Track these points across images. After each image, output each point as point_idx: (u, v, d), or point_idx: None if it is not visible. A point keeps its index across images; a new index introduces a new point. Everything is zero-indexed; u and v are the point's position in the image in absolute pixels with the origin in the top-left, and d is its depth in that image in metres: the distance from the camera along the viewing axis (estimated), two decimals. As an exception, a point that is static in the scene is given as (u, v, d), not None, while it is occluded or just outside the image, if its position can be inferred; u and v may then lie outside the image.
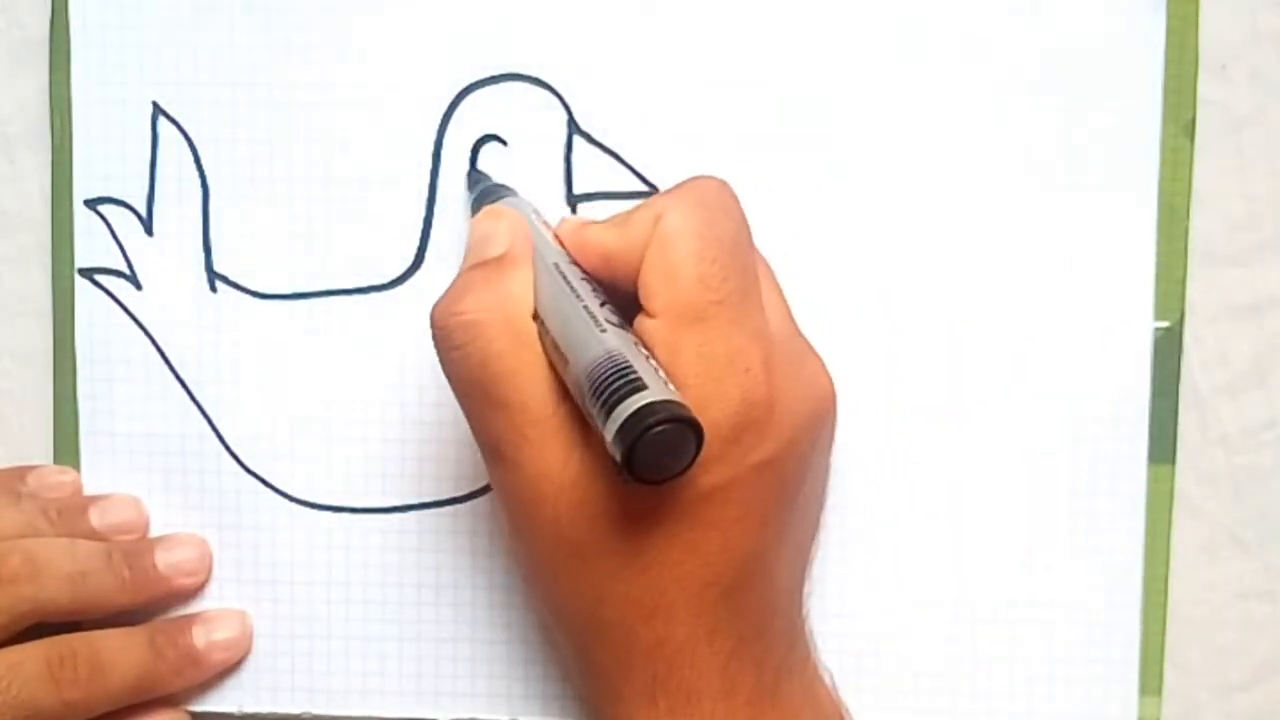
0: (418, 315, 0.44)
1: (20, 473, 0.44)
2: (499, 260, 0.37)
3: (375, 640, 0.45)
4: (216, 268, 0.45)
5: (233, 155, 0.44)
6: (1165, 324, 0.43)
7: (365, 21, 0.44)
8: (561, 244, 0.38)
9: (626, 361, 0.33)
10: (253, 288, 0.45)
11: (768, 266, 0.38)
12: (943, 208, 0.43)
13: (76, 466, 0.45)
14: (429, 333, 0.44)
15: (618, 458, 0.32)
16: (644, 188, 0.43)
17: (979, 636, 0.44)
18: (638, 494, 0.34)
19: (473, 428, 0.37)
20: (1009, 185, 0.43)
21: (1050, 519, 0.43)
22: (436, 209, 0.44)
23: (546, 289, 0.36)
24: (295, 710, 0.45)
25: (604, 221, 0.37)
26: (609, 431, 0.32)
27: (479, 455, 0.44)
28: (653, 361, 0.34)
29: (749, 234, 0.36)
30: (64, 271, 0.45)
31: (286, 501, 0.45)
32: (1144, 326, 0.43)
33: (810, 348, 0.38)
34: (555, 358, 0.35)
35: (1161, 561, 0.43)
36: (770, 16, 0.43)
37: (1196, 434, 0.44)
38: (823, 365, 0.38)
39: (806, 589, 0.40)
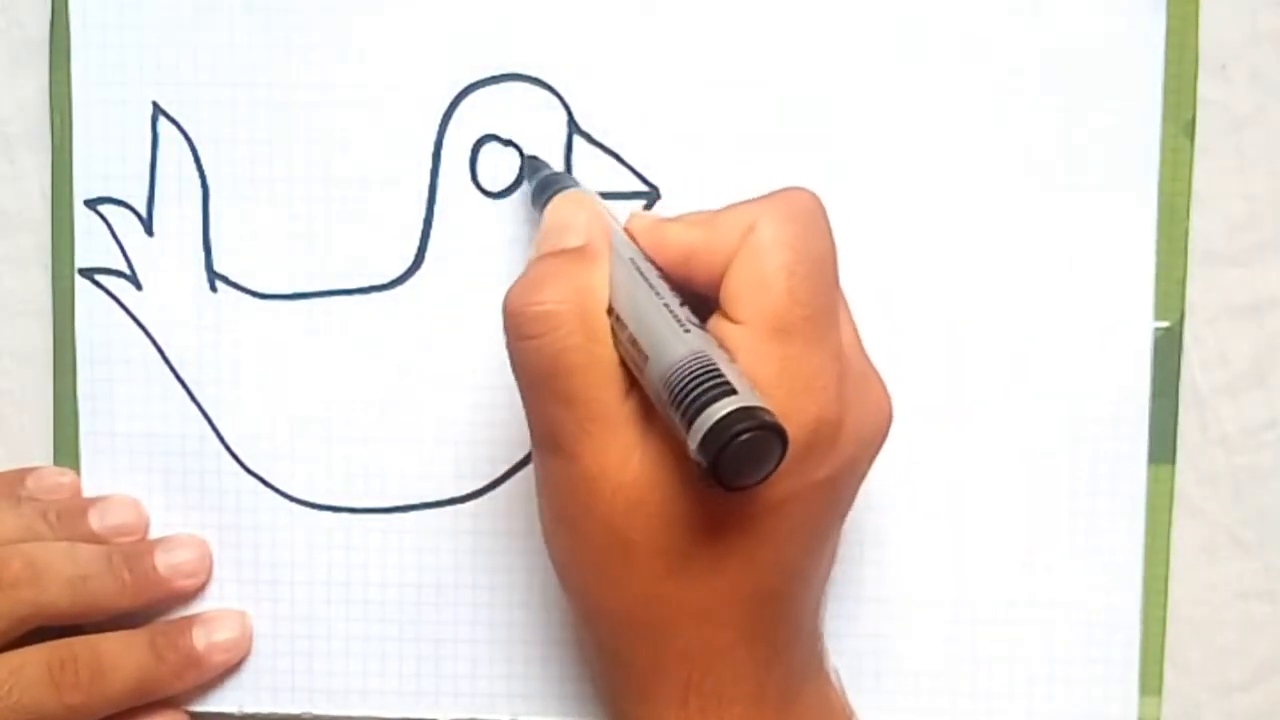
0: (418, 315, 0.44)
1: (19, 475, 0.44)
2: (579, 251, 0.36)
3: (375, 640, 0.45)
4: (216, 268, 0.45)
5: (233, 155, 0.44)
6: (1165, 324, 0.43)
7: (365, 21, 0.44)
8: (633, 239, 0.37)
9: (712, 363, 0.32)
10: (253, 288, 0.45)
11: (842, 290, 0.38)
12: (943, 208, 0.43)
13: (76, 467, 0.45)
14: (429, 332, 0.44)
15: (703, 461, 0.31)
16: (644, 188, 0.43)
17: (979, 636, 0.44)
18: (698, 499, 0.34)
19: (532, 416, 0.36)
20: (1009, 185, 0.43)
21: (1050, 519, 0.43)
22: (436, 209, 0.44)
23: (624, 284, 0.35)
24: (295, 710, 0.45)
25: (683, 220, 0.37)
26: (695, 434, 0.31)
27: (479, 455, 0.44)
28: (735, 365, 0.33)
29: (836, 253, 0.36)
30: (64, 271, 0.45)
31: (286, 501, 0.45)
32: (1144, 326, 0.43)
33: (874, 368, 0.38)
34: (630, 354, 0.34)
35: (1161, 561, 0.43)
36: (770, 16, 0.43)
37: (1196, 434, 0.44)
38: (884, 387, 0.38)
39: (825, 594, 0.40)
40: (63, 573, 0.41)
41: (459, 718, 0.45)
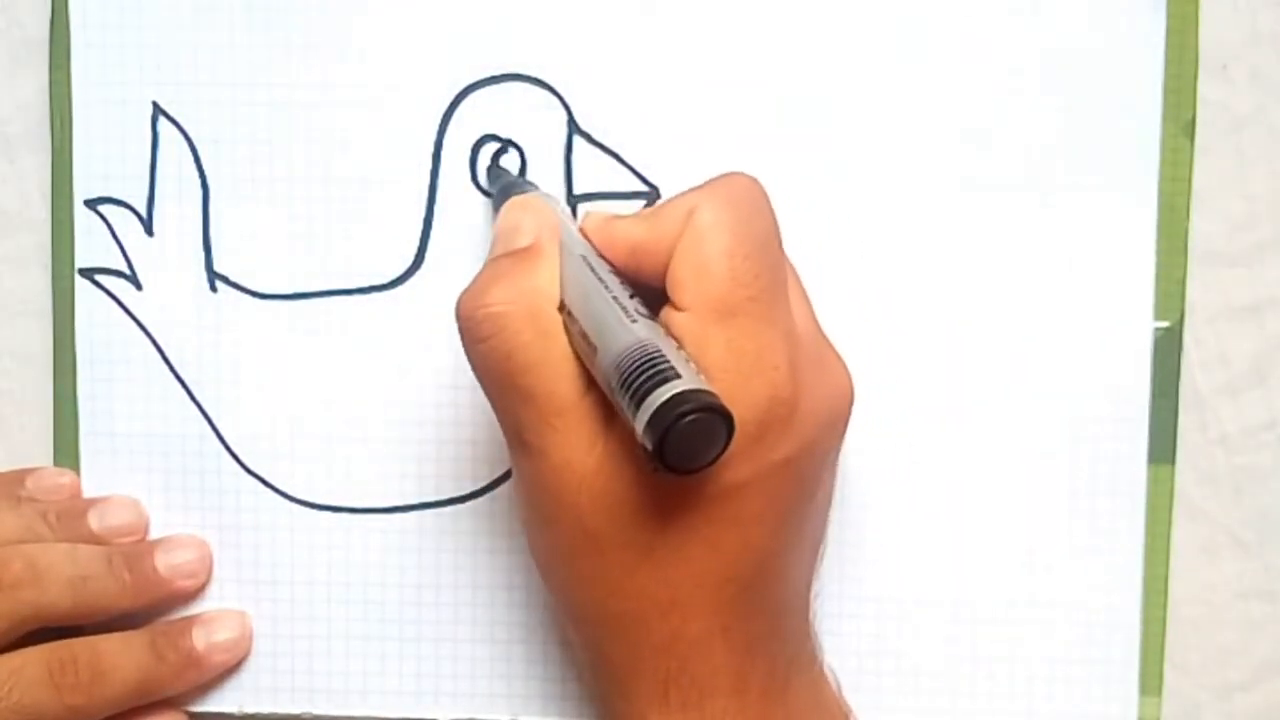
0: (418, 315, 0.44)
1: (19, 476, 0.44)
2: (525, 251, 0.37)
3: (375, 640, 0.45)
4: (216, 268, 0.45)
5: (233, 155, 0.44)
6: (1165, 324, 0.43)
7: (365, 21, 0.44)
8: (587, 238, 0.38)
9: (658, 350, 0.32)
10: (253, 288, 0.45)
11: (792, 266, 0.38)
12: (943, 208, 0.43)
13: (76, 467, 0.45)
14: (429, 332, 0.44)
15: (649, 446, 0.31)
16: (644, 188, 0.43)
17: (979, 636, 0.44)
18: (659, 487, 0.34)
19: (499, 418, 0.37)
20: (1009, 185, 0.43)
21: (1050, 519, 0.43)
22: (436, 209, 0.44)
23: (574, 280, 0.36)
24: (295, 710, 0.45)
25: (631, 216, 0.37)
26: (640, 419, 0.32)
27: (479, 455, 0.44)
28: (683, 352, 0.34)
29: (779, 233, 0.36)
30: (64, 271, 0.45)
31: (286, 501, 0.45)
32: (1144, 326, 0.43)
33: (832, 348, 0.38)
34: (582, 348, 0.35)
35: (1161, 561, 0.43)
36: (770, 17, 0.43)
37: (1196, 434, 0.44)
38: (844, 365, 0.38)
39: (814, 589, 0.40)
40: (63, 573, 0.41)
41: (459, 718, 0.45)
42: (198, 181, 0.44)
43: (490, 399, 0.37)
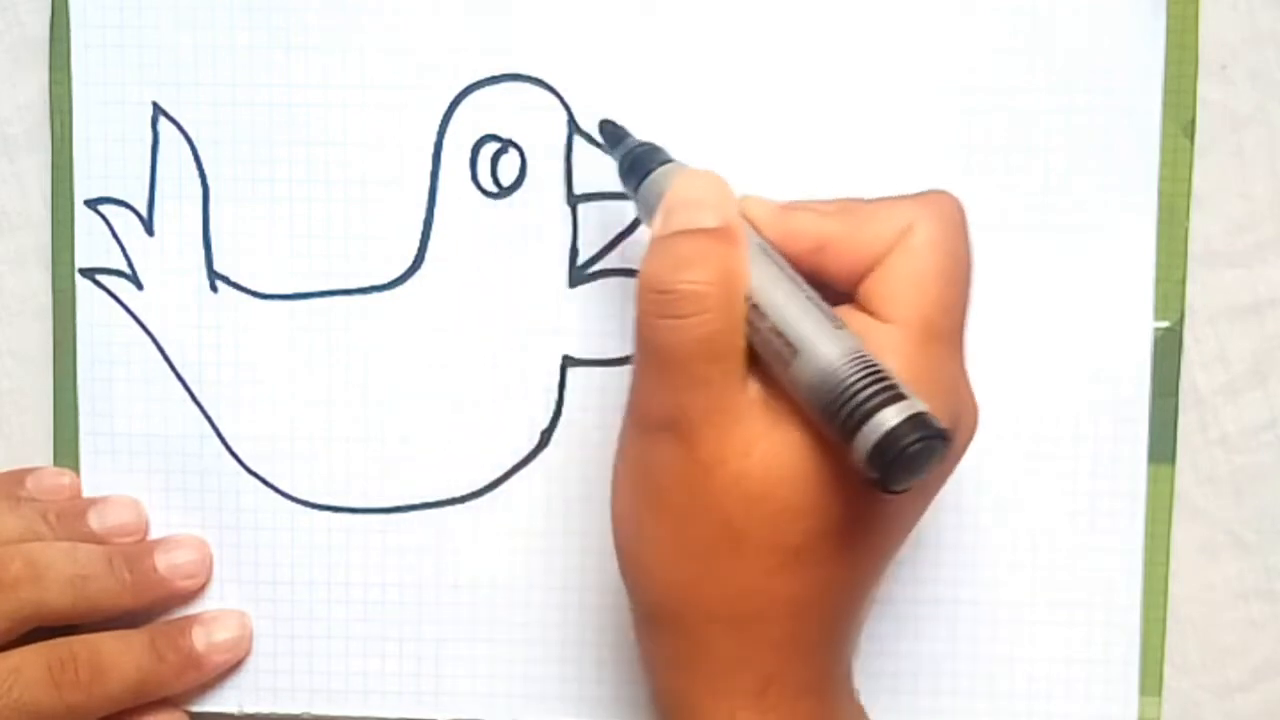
0: (418, 315, 0.44)
1: (19, 476, 0.44)
2: (722, 232, 0.35)
3: (375, 640, 0.45)
4: (217, 268, 0.45)
5: (233, 155, 0.44)
6: (1165, 324, 0.43)
7: (365, 21, 0.44)
8: (754, 227, 0.36)
9: (876, 365, 0.32)
10: (253, 288, 0.45)
11: None
12: (943, 208, 0.43)
13: (76, 467, 0.45)
14: (429, 332, 0.44)
15: (872, 467, 0.31)
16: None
17: (979, 636, 0.44)
18: (820, 497, 0.34)
19: (645, 396, 0.35)
20: (1009, 185, 0.43)
21: (1050, 519, 0.43)
22: (436, 209, 0.44)
23: (764, 273, 0.34)
24: (295, 710, 0.45)
25: (812, 209, 0.36)
26: (864, 439, 0.31)
27: (479, 455, 0.44)
28: (890, 367, 0.33)
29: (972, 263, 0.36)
30: (64, 271, 0.45)
31: (286, 501, 0.45)
32: (1144, 326, 0.43)
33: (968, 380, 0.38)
34: (772, 346, 0.34)
35: (1161, 561, 0.43)
36: (770, 17, 0.43)
37: (1196, 434, 0.44)
38: (974, 398, 0.37)
39: None
40: (63, 573, 0.41)
41: (459, 718, 0.45)
42: (198, 181, 0.44)
43: (646, 376, 0.35)
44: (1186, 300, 0.43)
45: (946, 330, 0.34)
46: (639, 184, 0.38)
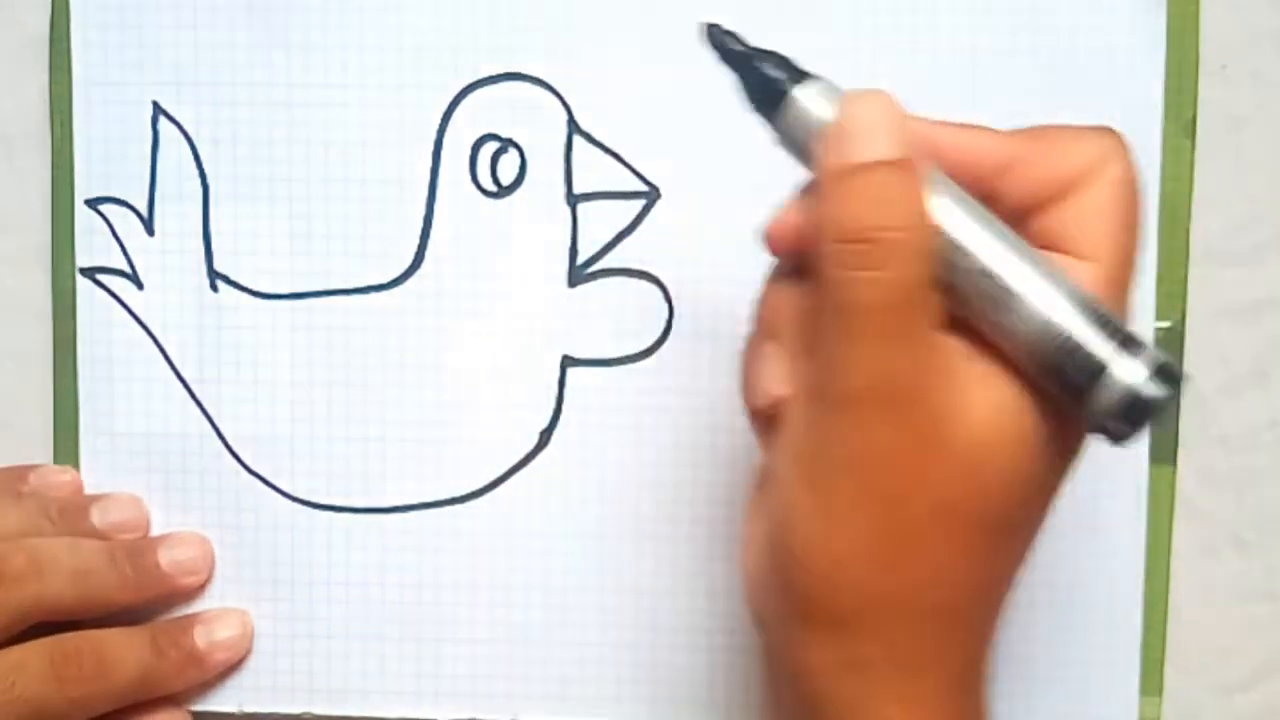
0: (418, 315, 0.44)
1: (21, 472, 0.44)
2: (901, 165, 0.30)
3: (375, 640, 0.45)
4: (217, 267, 0.45)
5: (233, 155, 0.44)
6: (1165, 324, 0.43)
7: (365, 21, 0.44)
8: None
9: (1107, 310, 0.30)
10: (253, 287, 0.45)
11: None
12: (943, 208, 0.43)
13: (76, 466, 0.45)
14: (429, 332, 0.44)
15: (1122, 417, 0.29)
16: (644, 187, 0.43)
17: (979, 636, 0.44)
18: (1033, 466, 0.31)
19: (844, 366, 0.30)
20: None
21: (1050, 519, 0.43)
22: (436, 209, 0.44)
23: (954, 205, 0.31)
24: (295, 710, 0.45)
25: (990, 129, 0.32)
26: (1113, 388, 0.29)
27: (479, 455, 0.44)
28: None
29: None
30: (65, 271, 0.45)
31: (287, 501, 0.45)
32: (1144, 326, 0.43)
33: None
34: (981, 289, 0.30)
35: (1162, 561, 0.43)
36: (770, 18, 0.43)
37: (1196, 434, 0.44)
38: None
39: None
40: (65, 567, 0.42)
41: (459, 718, 0.45)
42: (198, 181, 0.44)
43: (841, 340, 0.30)
44: (1186, 300, 0.43)
45: (1131, 277, 0.32)
46: (775, 107, 0.33)
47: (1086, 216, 0.31)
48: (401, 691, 0.45)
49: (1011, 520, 0.32)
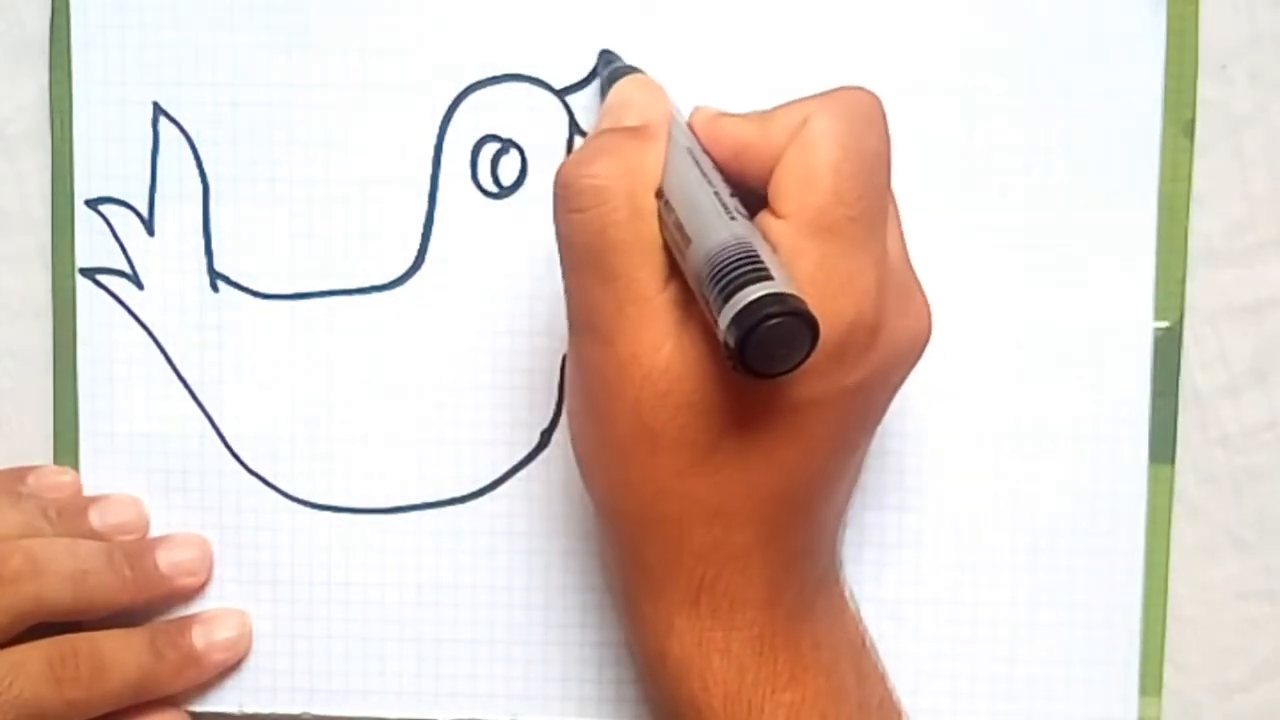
0: (418, 315, 0.44)
1: (20, 473, 0.44)
2: (635, 130, 0.36)
3: (375, 640, 0.45)
4: (218, 267, 0.45)
5: (233, 155, 0.44)
6: (1165, 324, 0.43)
7: (365, 21, 0.44)
8: (693, 133, 0.37)
9: (753, 250, 0.32)
10: (254, 288, 0.45)
11: (893, 194, 0.37)
12: (943, 208, 0.43)
13: (76, 467, 0.45)
14: (429, 332, 0.44)
15: (731, 343, 0.31)
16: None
17: (979, 637, 0.44)
18: (729, 393, 0.34)
19: (570, 297, 0.36)
20: (1009, 185, 0.43)
21: (1050, 519, 0.43)
22: (437, 209, 0.44)
23: (677, 169, 0.35)
24: (295, 710, 0.45)
25: (742, 115, 0.36)
26: (726, 315, 0.31)
27: (479, 455, 0.44)
28: (776, 258, 0.33)
29: (890, 155, 0.36)
30: (65, 271, 0.45)
31: (287, 501, 0.45)
32: (1144, 326, 0.43)
33: (918, 282, 0.37)
34: (674, 239, 0.34)
35: (1161, 561, 0.43)
36: (770, 18, 0.43)
37: (1196, 434, 0.44)
38: (926, 301, 0.37)
39: (845, 512, 0.40)
40: (64, 568, 0.41)
41: (459, 718, 0.45)
42: (198, 181, 0.44)
43: (567, 275, 0.36)
44: (1186, 300, 0.43)
45: (843, 224, 0.34)
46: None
47: (779, 179, 0.34)
48: (401, 691, 0.45)
49: (726, 448, 0.34)
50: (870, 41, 0.43)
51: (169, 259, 0.45)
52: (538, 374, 0.44)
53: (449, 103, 0.44)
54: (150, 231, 0.45)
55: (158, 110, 0.44)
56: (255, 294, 0.45)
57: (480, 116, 0.44)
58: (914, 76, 0.43)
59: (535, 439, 0.44)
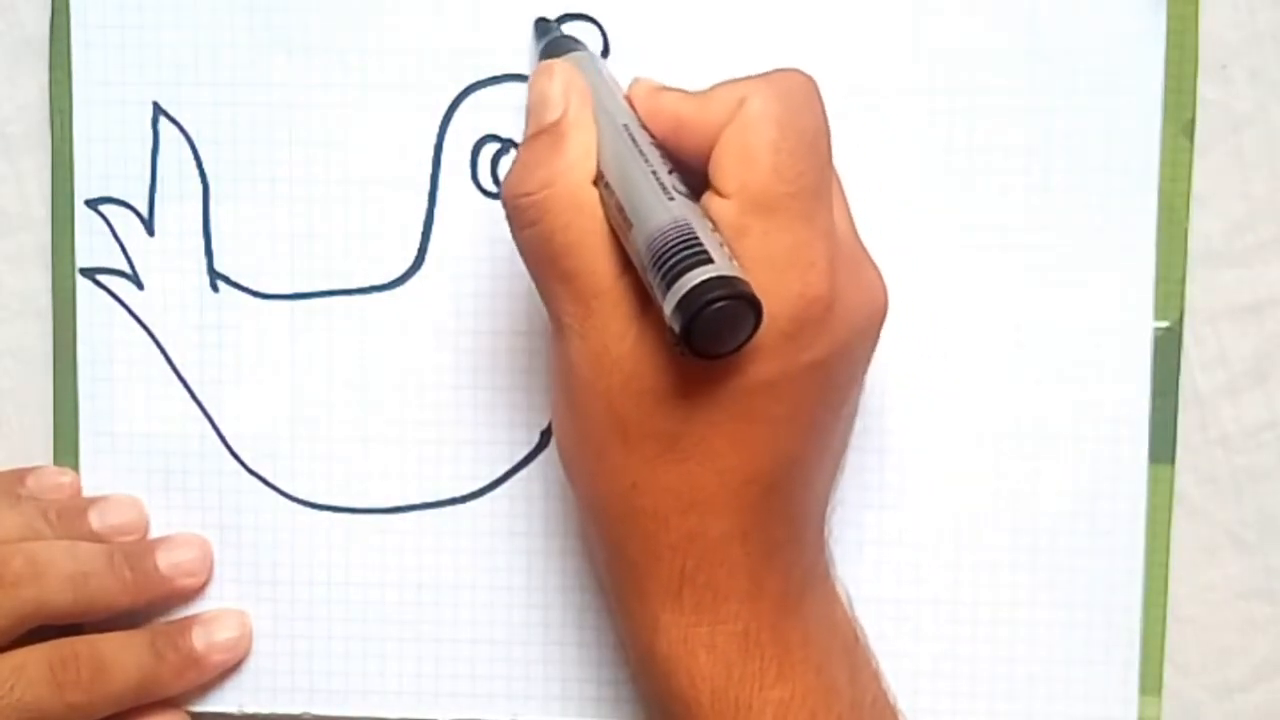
0: (418, 315, 0.44)
1: (19, 475, 0.44)
2: (555, 127, 0.36)
3: (375, 640, 0.45)
4: (218, 267, 0.45)
5: (233, 155, 0.44)
6: (1165, 324, 0.43)
7: (365, 21, 0.44)
8: (632, 106, 0.37)
9: (693, 232, 0.32)
10: (254, 288, 0.45)
11: (836, 172, 0.38)
12: (943, 208, 0.43)
13: (76, 466, 0.45)
14: (429, 332, 0.44)
15: (676, 329, 0.31)
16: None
17: (979, 637, 0.44)
18: (688, 377, 0.34)
19: (544, 302, 0.37)
20: (1009, 185, 0.43)
21: (1050, 519, 0.43)
22: (437, 209, 0.44)
23: (612, 151, 0.36)
24: (295, 710, 0.45)
25: (681, 90, 0.37)
26: (669, 302, 0.31)
27: (479, 455, 0.44)
28: (718, 236, 0.33)
29: (829, 134, 0.36)
30: (65, 271, 0.45)
31: (287, 501, 0.45)
32: (1144, 326, 0.43)
33: (868, 255, 0.38)
34: (618, 222, 0.35)
35: (1161, 561, 0.43)
36: (770, 19, 0.43)
37: (1196, 434, 0.44)
38: (879, 273, 0.37)
39: (831, 504, 0.40)
40: (64, 570, 0.41)
41: (459, 718, 0.45)
42: (198, 181, 0.44)
43: (536, 284, 0.37)
44: (1186, 300, 0.43)
45: (784, 200, 0.34)
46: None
47: (718, 158, 0.35)
48: (401, 691, 0.45)
49: (693, 435, 0.34)
50: (870, 43, 0.43)
51: (169, 259, 0.45)
52: (537, 374, 0.44)
53: (449, 103, 0.44)
54: (150, 231, 0.45)
55: (158, 110, 0.44)
56: (255, 294, 0.45)
57: (480, 116, 0.44)
58: (914, 76, 0.43)
59: (535, 439, 0.44)
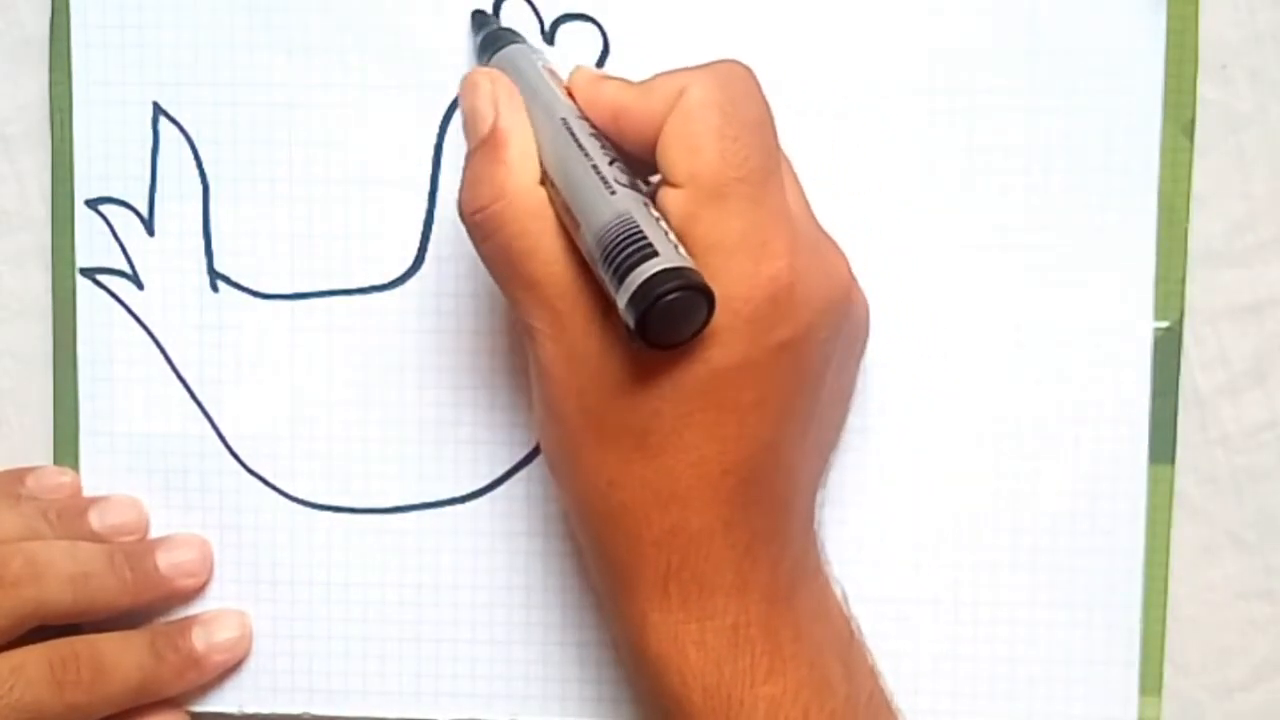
0: (418, 315, 0.44)
1: (19, 475, 0.44)
2: (491, 137, 0.36)
3: (375, 640, 0.45)
4: (218, 267, 0.45)
5: (233, 155, 0.44)
6: (1165, 324, 0.43)
7: (366, 21, 0.44)
8: (572, 96, 0.37)
9: (636, 225, 0.33)
10: (254, 287, 0.45)
11: (787, 157, 0.38)
12: (943, 208, 0.43)
13: (76, 467, 0.45)
14: (429, 332, 0.44)
15: (630, 324, 0.32)
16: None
17: (979, 637, 0.44)
18: (654, 369, 0.34)
19: (514, 311, 0.37)
20: (1009, 185, 0.43)
21: (1050, 519, 0.43)
22: (436, 209, 0.44)
23: (553, 149, 0.36)
24: (295, 710, 0.45)
25: (621, 80, 0.37)
26: (621, 298, 0.32)
27: (479, 455, 0.44)
28: (663, 224, 0.34)
29: (772, 120, 0.36)
30: (65, 271, 0.45)
31: (286, 501, 0.45)
32: (1144, 326, 0.43)
33: (827, 236, 0.38)
34: (567, 221, 0.35)
35: (1161, 561, 0.43)
36: (770, 19, 0.43)
37: (1196, 434, 0.44)
38: (842, 255, 0.38)
39: (820, 498, 0.40)
40: (64, 571, 0.41)
41: (459, 718, 0.45)
42: (198, 181, 0.44)
43: (504, 295, 0.37)
44: (1186, 300, 0.43)
45: (734, 186, 0.34)
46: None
47: (664, 148, 0.35)
48: (401, 691, 0.45)
49: (662, 430, 0.35)
50: (871, 43, 0.43)
51: (169, 259, 0.45)
52: (538, 374, 0.44)
53: (449, 103, 0.44)
54: (150, 231, 0.45)
55: (158, 110, 0.44)
56: (255, 294, 0.45)
57: (480, 116, 0.44)
58: (915, 76, 0.43)
59: (535, 439, 0.44)
